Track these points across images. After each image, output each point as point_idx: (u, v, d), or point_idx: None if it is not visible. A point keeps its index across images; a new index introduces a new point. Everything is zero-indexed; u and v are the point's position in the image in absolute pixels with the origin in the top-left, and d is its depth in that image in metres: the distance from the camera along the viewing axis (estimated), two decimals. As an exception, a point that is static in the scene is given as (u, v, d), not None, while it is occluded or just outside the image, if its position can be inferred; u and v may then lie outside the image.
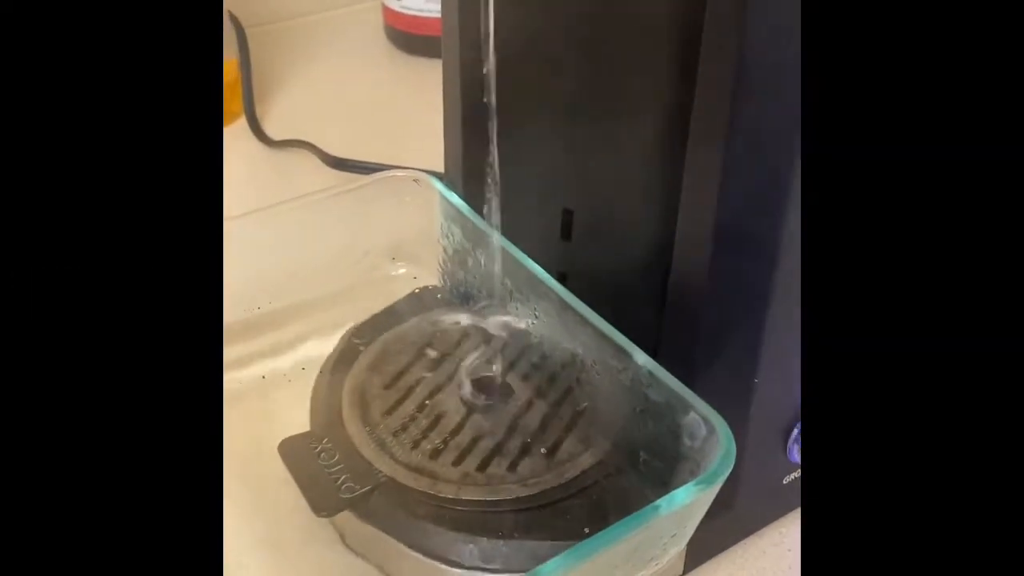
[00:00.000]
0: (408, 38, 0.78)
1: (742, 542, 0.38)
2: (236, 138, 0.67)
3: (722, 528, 0.36)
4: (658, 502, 0.26)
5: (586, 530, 0.31)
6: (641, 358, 0.31)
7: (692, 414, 0.29)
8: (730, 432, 0.28)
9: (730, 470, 0.27)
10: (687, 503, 0.26)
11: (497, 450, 0.35)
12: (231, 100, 0.69)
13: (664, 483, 0.31)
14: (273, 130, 0.67)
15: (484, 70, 0.32)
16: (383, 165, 0.59)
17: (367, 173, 0.43)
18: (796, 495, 0.38)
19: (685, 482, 0.29)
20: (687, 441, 0.30)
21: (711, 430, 0.29)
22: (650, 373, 0.31)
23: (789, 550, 0.38)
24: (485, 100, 0.33)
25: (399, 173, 0.42)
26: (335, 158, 0.63)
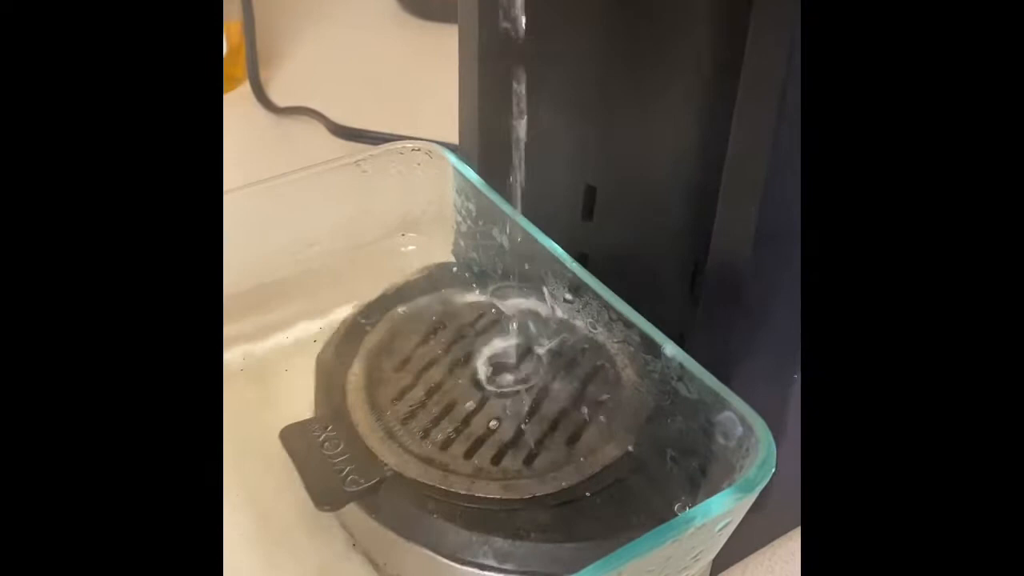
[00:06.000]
0: (420, 1, 0.75)
1: (771, 544, 0.36)
2: (239, 104, 0.65)
3: (751, 530, 0.34)
4: (693, 512, 0.24)
5: (608, 532, 0.29)
6: (671, 349, 0.29)
7: (727, 412, 0.27)
8: (770, 435, 0.26)
9: (770, 477, 0.25)
10: (723, 512, 0.24)
11: (513, 442, 0.33)
12: (234, 65, 0.67)
13: (693, 483, 0.29)
14: (278, 96, 0.65)
15: (510, 31, 0.30)
16: (392, 135, 0.57)
17: (375, 143, 0.41)
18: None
19: (717, 483, 0.28)
20: (720, 440, 0.28)
21: (748, 430, 0.26)
22: (681, 365, 0.29)
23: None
24: (508, 63, 0.31)
25: (409, 144, 0.40)
26: (342, 127, 0.61)
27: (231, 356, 0.38)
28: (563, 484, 0.31)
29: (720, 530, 0.25)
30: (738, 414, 0.27)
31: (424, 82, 0.67)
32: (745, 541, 0.35)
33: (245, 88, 0.66)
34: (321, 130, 0.61)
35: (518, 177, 0.34)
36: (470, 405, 0.34)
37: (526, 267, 0.35)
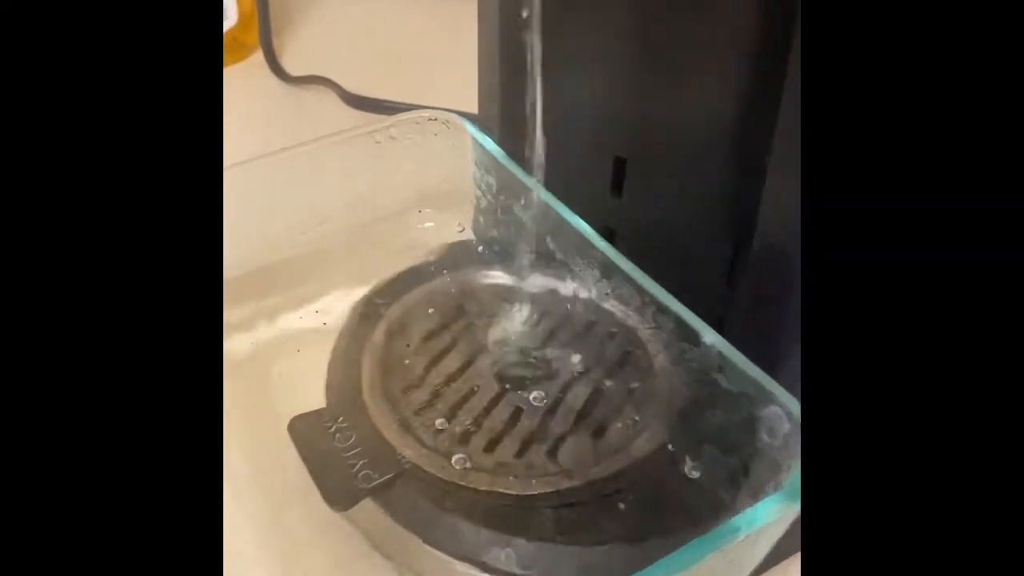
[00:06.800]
0: (438, -34, 0.72)
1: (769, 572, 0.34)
2: (251, 73, 0.64)
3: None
4: (737, 521, 0.22)
5: (639, 535, 0.27)
6: (710, 336, 0.27)
7: (773, 406, 0.25)
8: (824, 434, 0.23)
9: (824, 480, 0.23)
10: (771, 521, 0.22)
11: (537, 435, 0.30)
12: (247, 32, 0.65)
13: (733, 482, 0.27)
14: (291, 65, 0.64)
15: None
16: (409, 105, 0.55)
17: (391, 113, 0.39)
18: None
19: (760, 485, 0.25)
20: (765, 437, 0.25)
21: (796, 428, 0.24)
22: (720, 354, 0.26)
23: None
24: (526, 15, 0.28)
25: (425, 113, 0.38)
26: (357, 96, 0.60)
27: (239, 342, 0.36)
28: (591, 480, 0.29)
29: (765, 541, 0.23)
30: (785, 409, 0.24)
31: (442, 50, 0.65)
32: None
33: (258, 56, 0.64)
34: (335, 99, 0.60)
35: (541, 148, 0.32)
36: (491, 394, 0.32)
37: (550, 246, 0.33)
